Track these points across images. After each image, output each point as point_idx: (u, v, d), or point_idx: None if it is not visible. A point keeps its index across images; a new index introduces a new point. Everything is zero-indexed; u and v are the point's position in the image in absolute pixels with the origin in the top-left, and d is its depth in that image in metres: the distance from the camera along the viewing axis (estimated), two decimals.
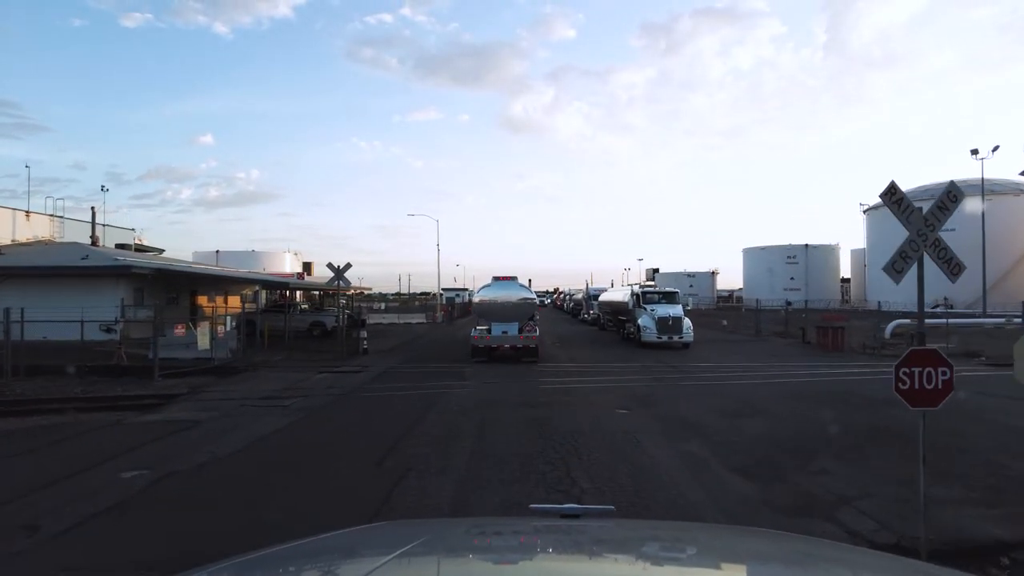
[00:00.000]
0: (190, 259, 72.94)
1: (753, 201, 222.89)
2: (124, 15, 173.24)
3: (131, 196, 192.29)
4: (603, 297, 37.71)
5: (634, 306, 26.46)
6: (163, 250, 41.01)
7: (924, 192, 69.20)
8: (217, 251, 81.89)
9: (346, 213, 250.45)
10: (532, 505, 2.27)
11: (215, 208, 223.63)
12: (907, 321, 29.49)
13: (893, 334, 27.38)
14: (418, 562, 1.65)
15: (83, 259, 23.82)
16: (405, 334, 33.79)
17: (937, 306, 59.76)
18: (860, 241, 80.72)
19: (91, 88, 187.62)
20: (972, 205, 62.83)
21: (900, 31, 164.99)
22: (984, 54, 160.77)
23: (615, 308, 32.04)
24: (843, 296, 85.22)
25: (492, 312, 20.80)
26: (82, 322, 17.69)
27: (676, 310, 25.06)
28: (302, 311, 30.05)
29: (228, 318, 19.73)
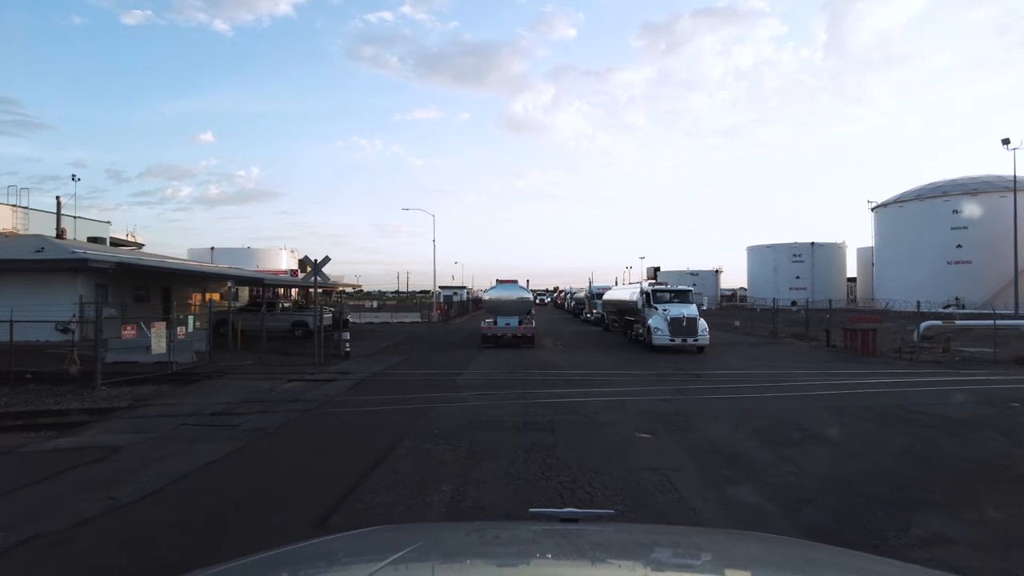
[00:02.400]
0: (185, 256, 70.80)
1: (754, 200, 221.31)
2: (124, 12, 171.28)
3: (131, 194, 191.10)
4: (608, 296, 35.51)
5: (643, 306, 24.26)
6: (142, 245, 38.78)
7: (935, 189, 67.43)
8: (212, 248, 79.80)
9: (346, 211, 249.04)
10: (531, 509, 2.09)
11: (215, 206, 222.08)
12: (938, 322, 27.33)
13: (924, 336, 25.24)
14: (414, 567, 1.58)
15: (38, 252, 21.62)
16: (396, 335, 31.59)
17: (949, 306, 57.64)
18: (865, 239, 78.76)
19: (91, 86, 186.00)
20: (976, 203, 60.97)
21: (900, 32, 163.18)
22: (984, 55, 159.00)
23: (621, 308, 29.84)
24: (849, 295, 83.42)
25: (498, 308, 25.67)
26: (12, 322, 15.43)
27: (690, 310, 22.85)
28: (283, 310, 27.90)
29: (191, 318, 17.52)
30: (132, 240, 70.19)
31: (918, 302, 21.99)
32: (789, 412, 11.47)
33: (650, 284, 25.44)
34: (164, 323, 16.10)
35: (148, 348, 16.84)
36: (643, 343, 24.23)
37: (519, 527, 2.23)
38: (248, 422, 10.70)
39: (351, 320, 34.70)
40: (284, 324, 27.11)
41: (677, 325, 22.29)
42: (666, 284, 26.17)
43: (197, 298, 28.44)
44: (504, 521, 4.19)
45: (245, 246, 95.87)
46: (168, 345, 16.39)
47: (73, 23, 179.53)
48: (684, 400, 12.71)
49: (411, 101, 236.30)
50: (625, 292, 29.64)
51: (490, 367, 18.13)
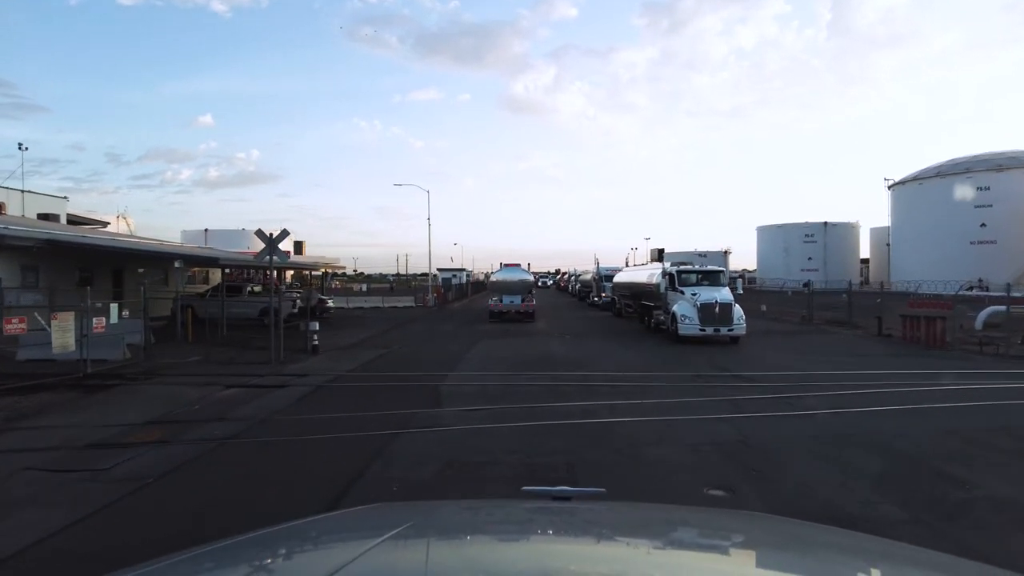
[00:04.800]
0: (178, 239, 67.19)
1: (759, 181, 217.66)
2: None
3: (131, 177, 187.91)
4: (620, 278, 31.97)
5: (667, 289, 20.80)
6: (106, 223, 35.31)
7: (957, 165, 63.78)
8: (206, 230, 76.57)
9: (346, 194, 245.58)
10: (524, 487, 2.11)
11: (215, 189, 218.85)
12: (1002, 308, 23.87)
13: (986, 324, 21.80)
14: (409, 544, 1.59)
15: None
16: (383, 323, 28.19)
17: (972, 288, 54.12)
18: (876, 220, 75.65)
19: (88, 68, 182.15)
20: (1002, 179, 57.50)
21: (904, 10, 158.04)
22: (989, 34, 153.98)
23: (637, 291, 26.39)
24: (862, 276, 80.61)
25: (503, 288, 29.94)
26: None
27: (723, 294, 19.39)
28: (252, 294, 24.56)
29: (114, 306, 14.13)
30: (76, 216, 66.53)
31: (1012, 287, 18.52)
32: (903, 441, 8.09)
33: (674, 264, 21.94)
34: (71, 313, 12.68)
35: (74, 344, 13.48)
36: (665, 332, 20.85)
37: (513, 505, 2.15)
38: (128, 463, 7.33)
39: (332, 306, 31.30)
40: (252, 311, 23.69)
41: (708, 312, 18.86)
42: (692, 264, 22.70)
43: (159, 281, 25.02)
44: (498, 499, 4.05)
45: (240, 228, 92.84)
46: (80, 340, 13.03)
47: (69, 4, 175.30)
48: (746, 420, 9.31)
49: (411, 82, 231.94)
50: (641, 273, 26.11)
51: (485, 367, 14.75)
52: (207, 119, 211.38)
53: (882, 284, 23.81)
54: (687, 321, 19.08)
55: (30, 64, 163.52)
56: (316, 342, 17.27)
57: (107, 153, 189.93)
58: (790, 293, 39.60)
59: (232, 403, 10.80)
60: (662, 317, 21.40)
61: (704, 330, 18.85)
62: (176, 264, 18.27)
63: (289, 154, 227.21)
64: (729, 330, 18.90)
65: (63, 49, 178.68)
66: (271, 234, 15.24)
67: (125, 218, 71.26)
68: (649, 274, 23.88)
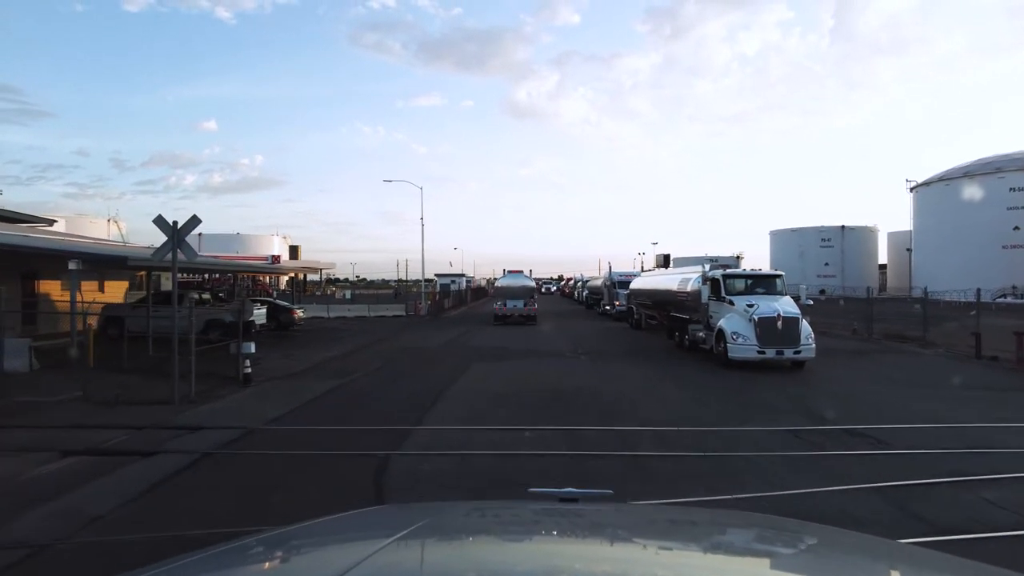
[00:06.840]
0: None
1: (763, 187, 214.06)
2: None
3: (135, 182, 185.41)
4: (639, 284, 27.32)
5: (708, 298, 16.30)
6: (54, 221, 30.97)
7: (987, 165, 59.71)
8: (200, 234, 72.78)
9: (350, 200, 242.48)
10: (530, 489, 2.10)
11: (219, 194, 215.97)
12: None
13: None
14: (417, 545, 1.59)
15: None
16: (361, 337, 23.70)
17: (1004, 295, 49.86)
18: (892, 224, 72.14)
19: (93, 74, 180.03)
20: None
21: (909, 15, 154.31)
22: (994, 39, 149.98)
23: (663, 300, 21.83)
24: (879, 282, 77.06)
25: (507, 293, 31.49)
26: None
27: (786, 306, 14.92)
28: (199, 303, 20.19)
29: None
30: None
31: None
32: None
33: (714, 266, 17.49)
34: None
35: None
36: (706, 352, 16.41)
37: (520, 507, 2.15)
38: None
39: (302, 316, 26.80)
40: (196, 324, 19.25)
41: (769, 329, 14.39)
42: (740, 267, 18.24)
43: (93, 287, 20.64)
44: (506, 501, 3.49)
45: (235, 232, 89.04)
46: None
47: (75, 10, 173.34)
48: (953, 551, 4.86)
49: (414, 88, 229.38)
50: (670, 279, 21.52)
51: (471, 413, 10.19)
52: (211, 124, 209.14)
53: (978, 292, 19.20)
54: (740, 340, 14.61)
55: (36, 70, 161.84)
56: (249, 369, 12.90)
57: (112, 159, 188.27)
58: (841, 302, 35.06)
59: (33, 496, 6.34)
60: (701, 333, 16.92)
61: (763, 352, 14.39)
62: (71, 265, 13.94)
63: (293, 160, 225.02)
64: (795, 352, 14.44)
65: (69, 55, 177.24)
66: (175, 223, 10.84)
67: (116, 222, 67.52)
68: (681, 280, 19.34)
